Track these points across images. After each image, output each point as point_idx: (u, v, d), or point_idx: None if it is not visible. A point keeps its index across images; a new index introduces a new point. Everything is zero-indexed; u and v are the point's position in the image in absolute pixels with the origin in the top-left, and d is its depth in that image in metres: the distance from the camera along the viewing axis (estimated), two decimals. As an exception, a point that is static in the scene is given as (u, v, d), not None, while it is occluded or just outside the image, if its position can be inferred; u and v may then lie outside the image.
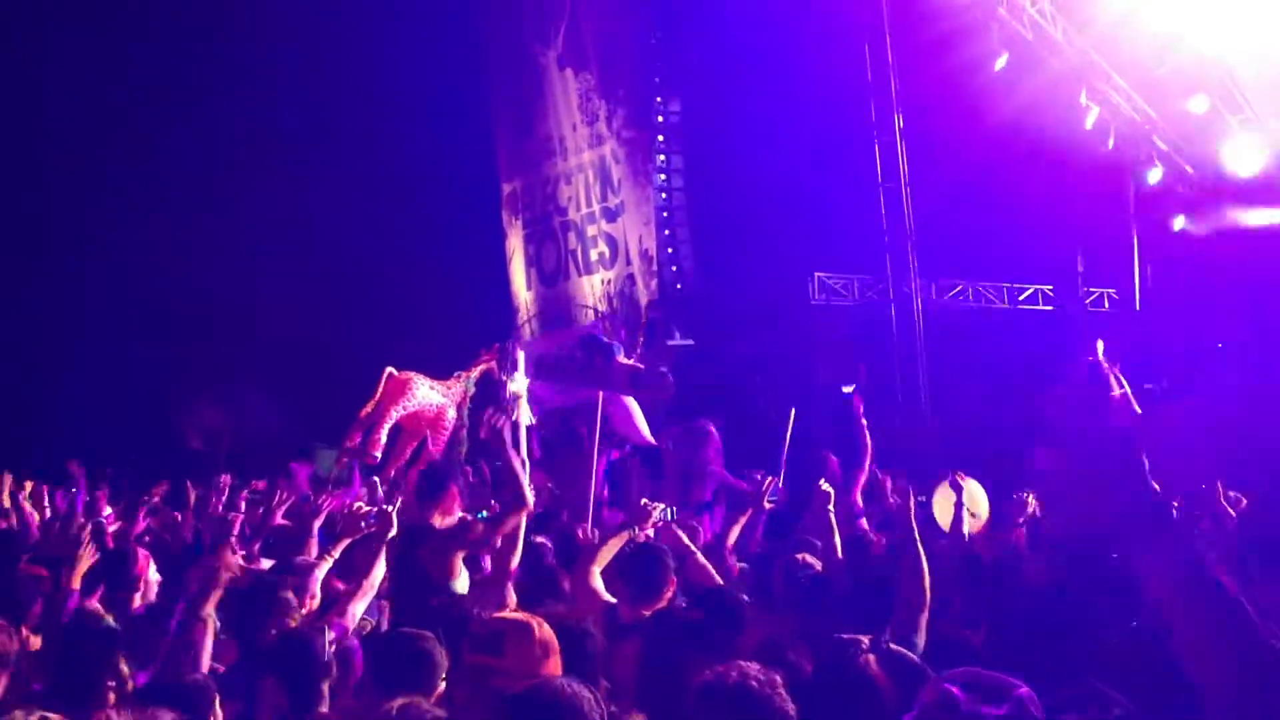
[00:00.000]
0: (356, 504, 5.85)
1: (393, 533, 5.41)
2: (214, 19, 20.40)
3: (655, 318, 16.51)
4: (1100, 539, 4.43)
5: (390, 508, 5.55)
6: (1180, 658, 1.92)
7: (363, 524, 5.76)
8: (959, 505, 6.63)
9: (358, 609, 5.19)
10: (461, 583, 5.59)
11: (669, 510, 7.64)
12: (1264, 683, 1.79)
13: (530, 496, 5.76)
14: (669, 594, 5.14)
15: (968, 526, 6.53)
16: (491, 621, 3.30)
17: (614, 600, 5.15)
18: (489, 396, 11.97)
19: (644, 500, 6.05)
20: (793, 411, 10.20)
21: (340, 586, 5.82)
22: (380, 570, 5.30)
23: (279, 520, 7.24)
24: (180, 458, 17.96)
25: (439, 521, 5.88)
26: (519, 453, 5.85)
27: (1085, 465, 2.07)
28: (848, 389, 10.46)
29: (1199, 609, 1.88)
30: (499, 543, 5.94)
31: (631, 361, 10.84)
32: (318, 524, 6.61)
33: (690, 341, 15.82)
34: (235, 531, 6.29)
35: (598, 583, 5.32)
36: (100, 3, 19.98)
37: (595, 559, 5.42)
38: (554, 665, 3.33)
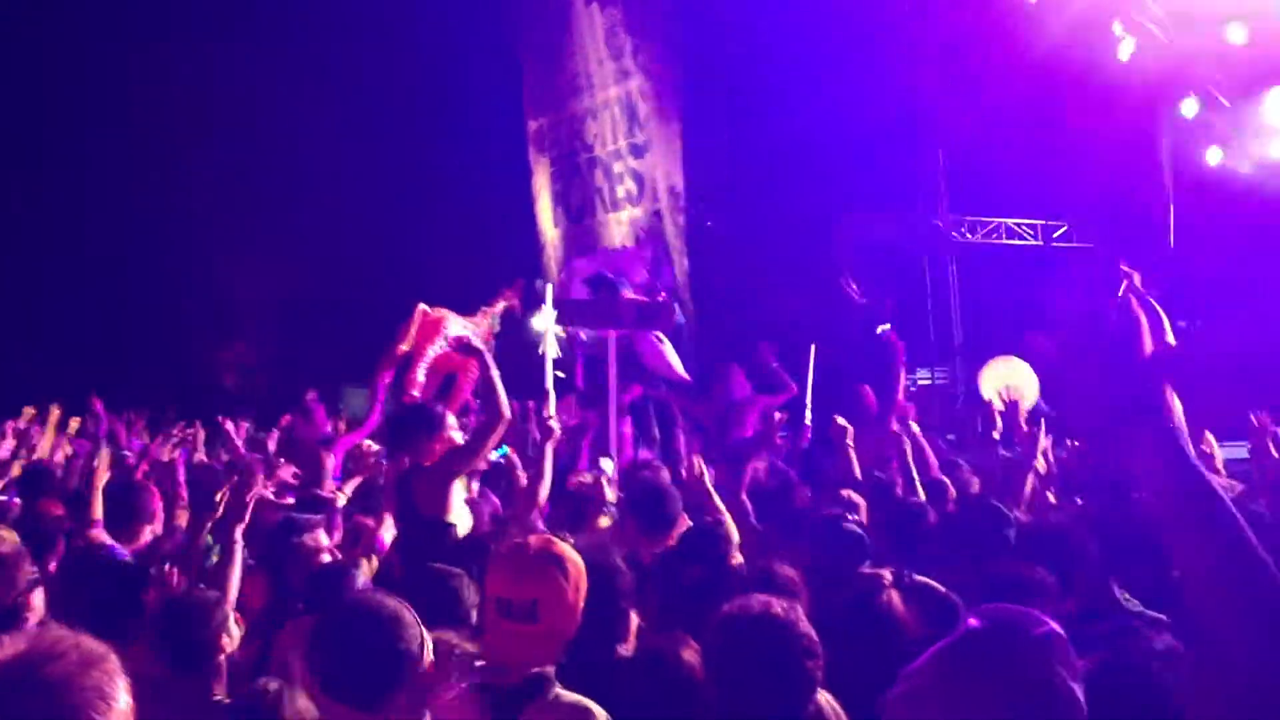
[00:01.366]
0: (366, 442, 5.83)
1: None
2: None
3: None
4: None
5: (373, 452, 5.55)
6: (1171, 559, 1.89)
7: (372, 461, 5.75)
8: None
9: (386, 539, 5.24)
10: (457, 514, 5.53)
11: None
12: (1254, 597, 1.73)
13: (506, 409, 5.64)
14: (681, 528, 5.17)
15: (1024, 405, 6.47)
16: (520, 588, 3.21)
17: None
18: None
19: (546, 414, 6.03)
20: (813, 348, 10.13)
21: (367, 523, 5.86)
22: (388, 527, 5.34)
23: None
24: (216, 397, 18.14)
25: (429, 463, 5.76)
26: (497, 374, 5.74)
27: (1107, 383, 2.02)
28: (882, 328, 10.36)
29: (1185, 508, 1.82)
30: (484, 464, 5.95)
31: (636, 297, 10.79)
32: (330, 460, 6.63)
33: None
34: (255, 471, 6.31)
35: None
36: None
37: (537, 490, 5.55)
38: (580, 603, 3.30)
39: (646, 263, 16.21)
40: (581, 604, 3.26)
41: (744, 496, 6.07)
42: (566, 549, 3.30)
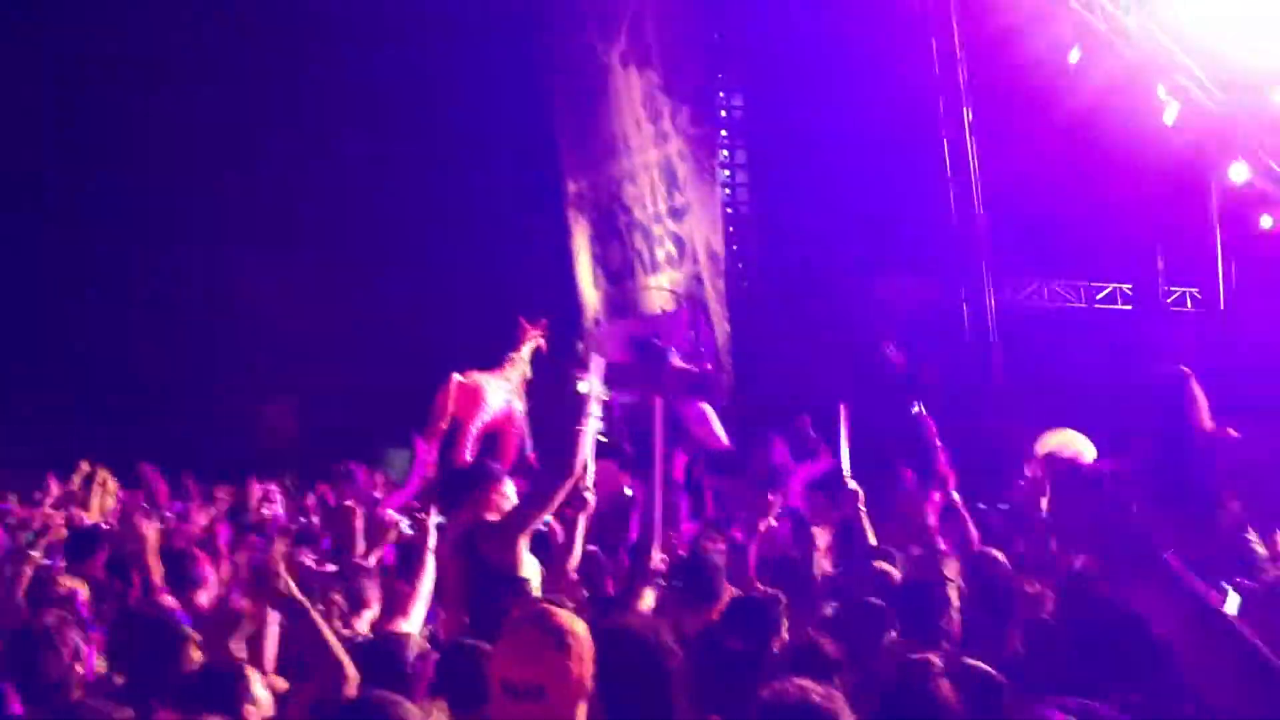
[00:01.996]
0: (387, 511, 5.77)
1: (431, 541, 5.32)
2: (279, 20, 20.56)
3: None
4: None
5: (425, 515, 5.46)
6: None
7: (393, 533, 5.68)
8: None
9: (418, 613, 5.14)
10: (528, 568, 5.48)
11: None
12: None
13: (578, 466, 5.58)
14: (726, 599, 5.09)
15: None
16: (524, 669, 3.12)
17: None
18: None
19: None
20: (842, 408, 9.96)
21: (404, 588, 5.78)
22: (429, 577, 5.24)
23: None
24: (253, 458, 18.15)
25: (492, 517, 5.73)
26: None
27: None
28: (916, 408, 10.18)
29: (1193, 638, 1.87)
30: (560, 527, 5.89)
31: (684, 365, 10.71)
32: (359, 525, 6.57)
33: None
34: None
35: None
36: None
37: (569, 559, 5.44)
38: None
39: (687, 328, 16.16)
40: (590, 674, 3.14)
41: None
42: (567, 619, 3.19)
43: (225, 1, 20.61)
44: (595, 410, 6.82)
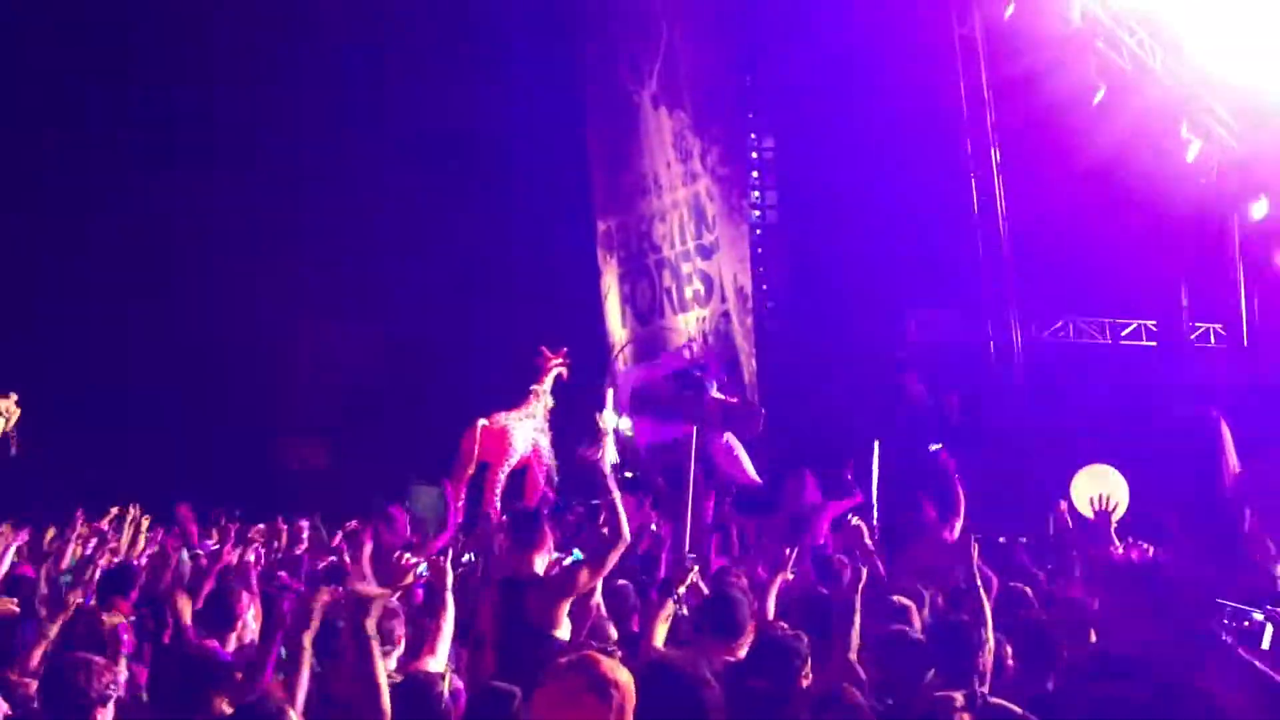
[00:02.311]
0: (402, 554, 5.91)
1: (449, 582, 5.45)
2: (312, 58, 20.89)
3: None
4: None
5: (443, 558, 5.60)
6: None
7: (410, 576, 5.82)
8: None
9: (443, 650, 5.26)
10: (565, 630, 5.62)
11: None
12: None
13: (626, 532, 5.77)
14: (749, 635, 5.17)
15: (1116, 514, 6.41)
16: (565, 715, 3.20)
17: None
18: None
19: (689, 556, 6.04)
20: (876, 444, 10.08)
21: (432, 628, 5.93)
22: (450, 619, 5.36)
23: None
24: (284, 494, 18.32)
25: (539, 564, 5.92)
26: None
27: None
28: (935, 446, 10.29)
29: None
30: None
31: (723, 397, 10.85)
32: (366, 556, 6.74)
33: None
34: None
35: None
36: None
37: (653, 635, 5.40)
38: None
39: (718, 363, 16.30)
40: None
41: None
42: (611, 667, 3.22)
43: (254, 64, 20.92)
44: (611, 449, 6.99)
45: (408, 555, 6.25)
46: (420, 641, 5.55)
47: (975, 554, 5.95)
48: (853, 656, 4.90)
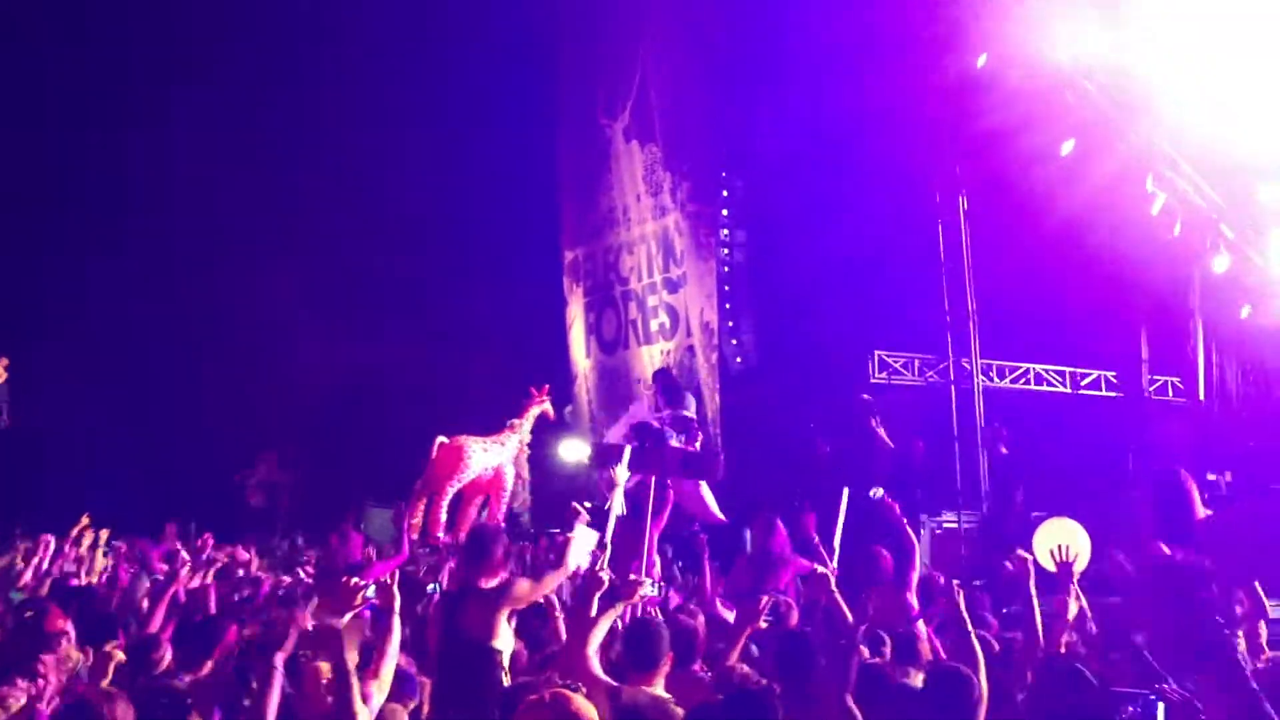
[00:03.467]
0: (351, 579, 5.87)
1: (396, 605, 5.45)
2: (290, 87, 20.89)
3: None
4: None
5: (390, 580, 5.59)
6: None
7: (358, 599, 5.78)
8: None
9: (387, 673, 5.25)
10: (503, 641, 5.63)
11: (658, 585, 7.60)
12: None
13: (572, 564, 5.95)
14: (665, 668, 5.13)
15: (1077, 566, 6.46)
16: None
17: (610, 680, 5.11)
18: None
19: (631, 575, 6.02)
20: (845, 491, 10.07)
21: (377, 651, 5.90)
22: (395, 642, 5.35)
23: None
24: (243, 515, 18.20)
25: (485, 584, 5.94)
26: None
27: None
28: (875, 492, 10.28)
29: None
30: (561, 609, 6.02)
31: (681, 445, 10.88)
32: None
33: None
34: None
35: (595, 664, 5.31)
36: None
37: (589, 638, 5.39)
38: None
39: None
40: None
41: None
42: (581, 705, 3.28)
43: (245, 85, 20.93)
44: (619, 500, 7.00)
45: (355, 579, 6.24)
46: (364, 664, 5.54)
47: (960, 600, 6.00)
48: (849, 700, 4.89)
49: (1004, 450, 14.62)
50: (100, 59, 19.90)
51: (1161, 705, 4.15)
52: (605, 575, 5.80)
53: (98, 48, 20.01)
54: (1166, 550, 6.05)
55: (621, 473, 6.54)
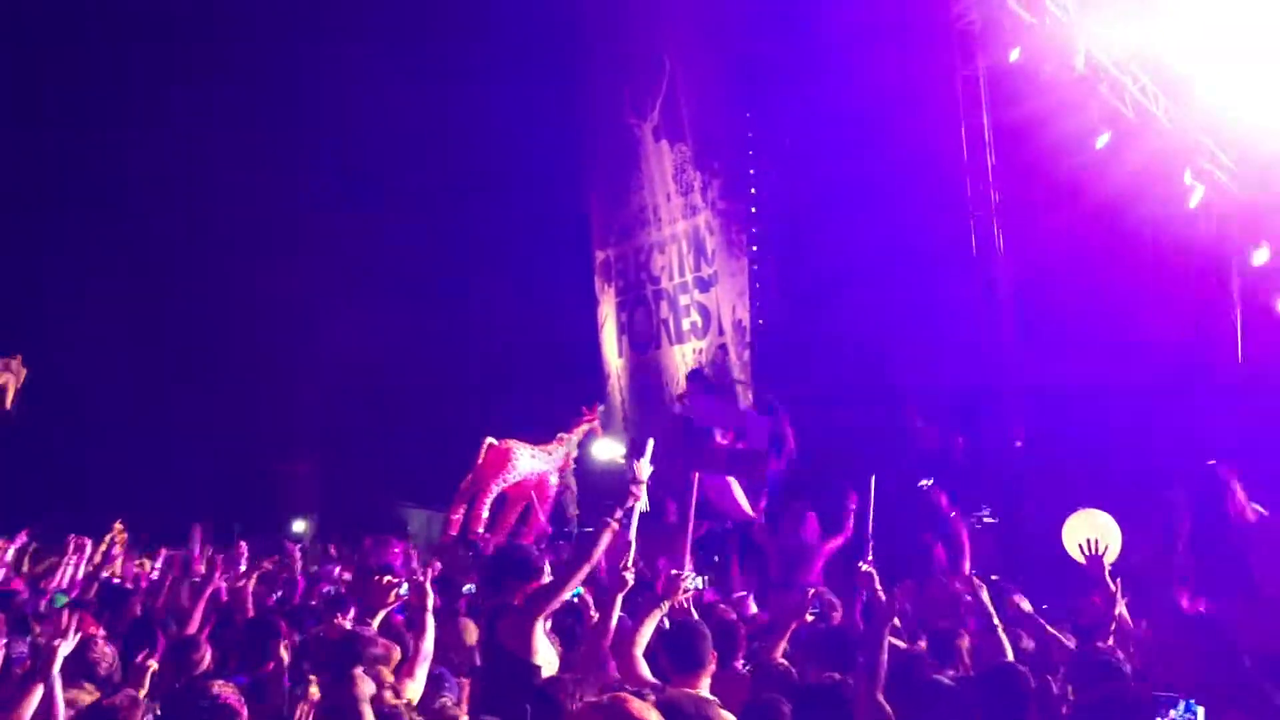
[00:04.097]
0: (385, 576, 5.88)
1: (430, 603, 5.45)
2: (320, 89, 20.97)
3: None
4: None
5: (424, 579, 5.60)
6: None
7: (392, 596, 5.78)
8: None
9: (421, 672, 5.26)
10: (543, 656, 5.62)
11: (702, 579, 7.56)
12: None
13: (595, 557, 5.93)
14: (711, 668, 5.15)
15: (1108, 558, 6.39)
16: None
17: (656, 681, 5.12)
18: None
19: (673, 571, 6.03)
20: (873, 480, 10.01)
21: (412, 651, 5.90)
22: (429, 640, 5.36)
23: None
24: (281, 514, 18.28)
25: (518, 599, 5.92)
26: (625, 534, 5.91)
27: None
28: (925, 483, 10.23)
29: None
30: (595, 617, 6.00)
31: (727, 442, 10.89)
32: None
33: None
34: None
35: (641, 665, 5.30)
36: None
37: (637, 638, 5.39)
38: None
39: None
40: None
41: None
42: (640, 708, 3.21)
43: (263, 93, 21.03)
44: (643, 499, 6.98)
45: (389, 576, 6.25)
46: (402, 665, 5.55)
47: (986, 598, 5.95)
48: (879, 696, 4.86)
49: (1018, 444, 14.44)
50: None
51: (1201, 709, 4.09)
52: (630, 575, 5.80)
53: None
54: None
55: (644, 468, 6.50)
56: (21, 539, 9.59)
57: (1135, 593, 7.22)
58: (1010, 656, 5.33)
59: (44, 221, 19.97)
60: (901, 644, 6.22)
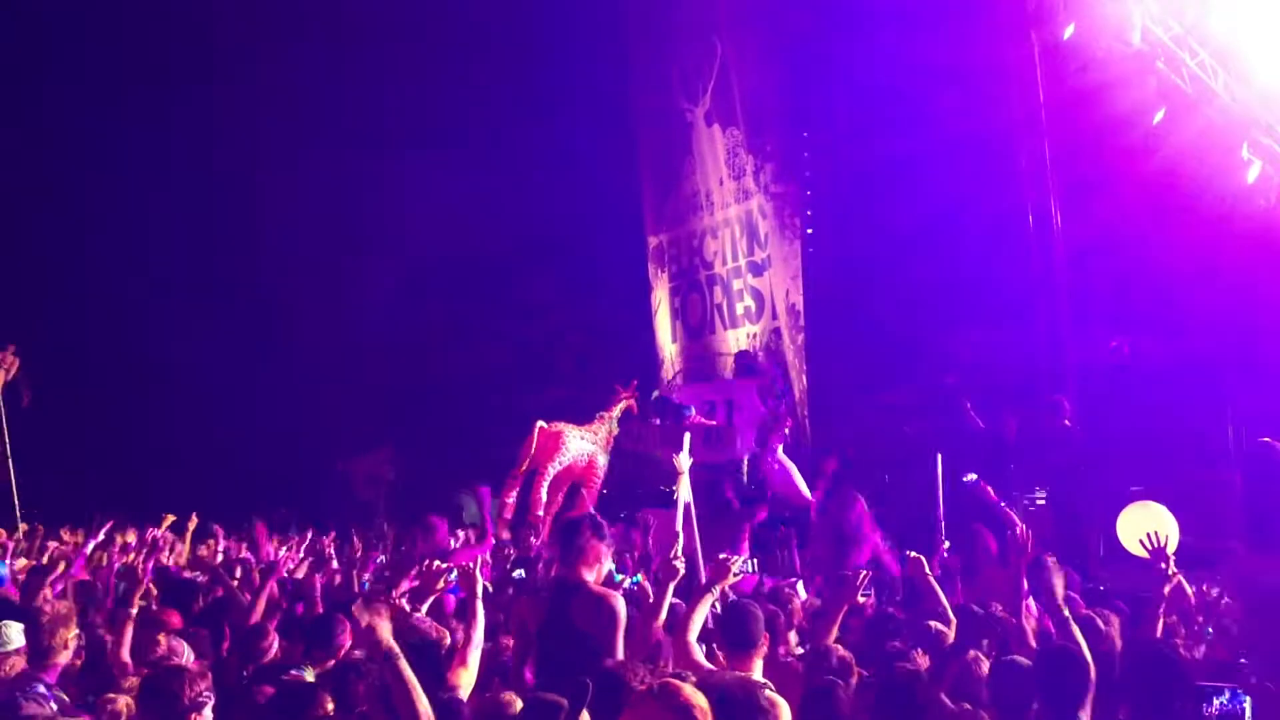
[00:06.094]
0: (435, 562, 5.92)
1: (479, 590, 5.47)
2: (369, 71, 21.13)
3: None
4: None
5: (474, 566, 5.61)
6: None
7: (440, 582, 5.80)
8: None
9: (474, 660, 5.30)
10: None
11: (750, 562, 7.59)
12: None
13: (682, 565, 5.89)
14: (763, 649, 5.22)
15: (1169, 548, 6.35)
16: None
17: (710, 666, 5.15)
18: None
19: (721, 555, 6.05)
20: (939, 457, 9.98)
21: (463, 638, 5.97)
22: (480, 628, 5.37)
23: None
24: (347, 506, 18.50)
25: (589, 574, 5.83)
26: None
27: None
28: (969, 477, 10.18)
29: None
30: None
31: (702, 420, 10.99)
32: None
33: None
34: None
35: (696, 650, 5.34)
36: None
37: (690, 624, 5.43)
38: None
39: (763, 392, 16.12)
40: None
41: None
42: (691, 694, 3.23)
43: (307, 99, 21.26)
44: (685, 487, 7.04)
45: (437, 562, 6.30)
46: (454, 653, 5.60)
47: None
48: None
49: (1067, 424, 14.29)
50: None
51: (1249, 699, 4.09)
52: (680, 564, 5.84)
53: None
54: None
55: (684, 460, 6.56)
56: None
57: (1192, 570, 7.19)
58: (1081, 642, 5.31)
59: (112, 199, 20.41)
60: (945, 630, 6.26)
